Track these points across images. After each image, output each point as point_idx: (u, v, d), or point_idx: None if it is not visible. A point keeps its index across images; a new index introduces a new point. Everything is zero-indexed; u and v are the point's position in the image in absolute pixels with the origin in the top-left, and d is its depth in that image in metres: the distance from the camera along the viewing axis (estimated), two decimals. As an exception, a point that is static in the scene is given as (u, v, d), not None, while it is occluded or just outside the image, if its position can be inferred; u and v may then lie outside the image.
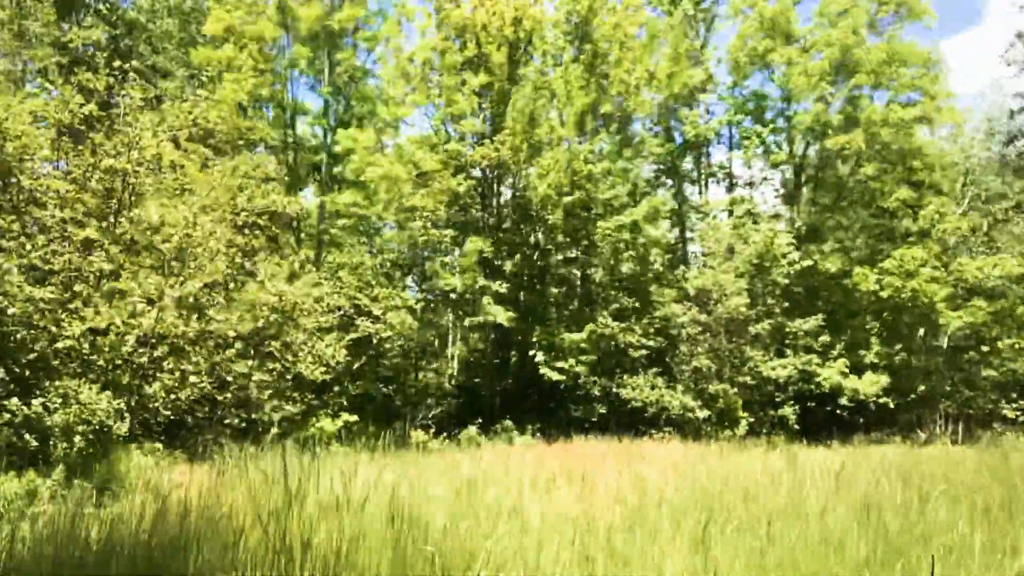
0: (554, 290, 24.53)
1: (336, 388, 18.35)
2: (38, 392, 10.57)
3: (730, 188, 29.54)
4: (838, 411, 23.20)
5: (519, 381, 23.79)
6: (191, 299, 13.02)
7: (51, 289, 11.53)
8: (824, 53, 25.14)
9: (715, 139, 29.20)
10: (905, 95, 25.40)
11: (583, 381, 21.79)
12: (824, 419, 23.28)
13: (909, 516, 6.08)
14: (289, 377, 15.44)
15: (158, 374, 12.61)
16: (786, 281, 24.07)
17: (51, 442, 9.97)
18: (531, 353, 22.11)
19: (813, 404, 23.66)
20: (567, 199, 22.28)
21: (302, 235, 23.98)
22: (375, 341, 19.42)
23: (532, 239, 23.86)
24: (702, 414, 21.46)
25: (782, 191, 28.68)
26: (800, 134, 26.72)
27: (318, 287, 17.27)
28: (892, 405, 22.92)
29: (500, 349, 24.75)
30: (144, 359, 12.42)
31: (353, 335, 18.57)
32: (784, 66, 26.18)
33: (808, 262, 24.23)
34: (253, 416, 14.71)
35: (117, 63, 13.49)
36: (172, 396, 12.54)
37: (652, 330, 22.93)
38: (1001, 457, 9.99)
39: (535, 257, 23.61)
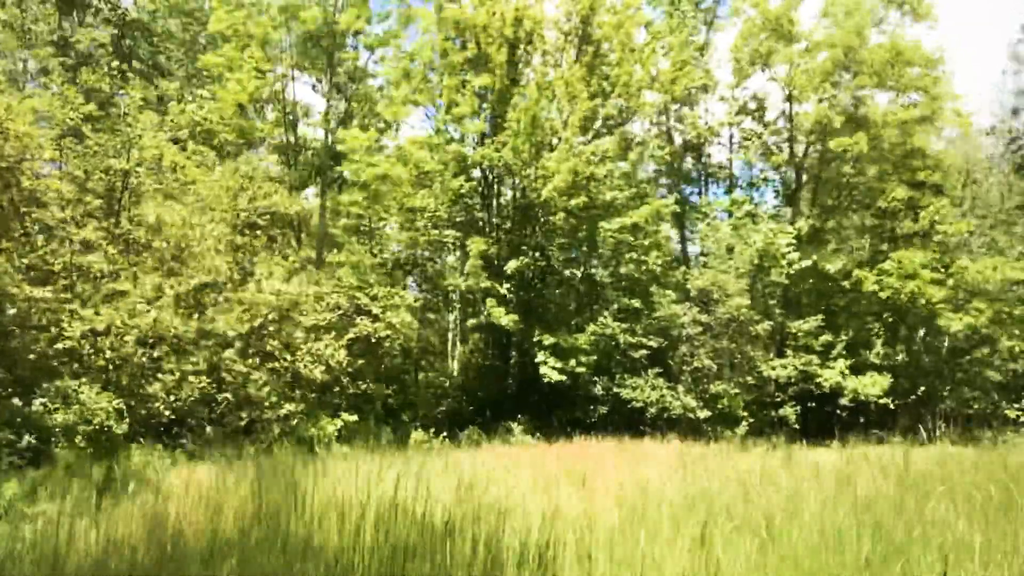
0: (556, 291, 24.49)
1: (336, 388, 18.31)
2: (38, 392, 10.58)
3: (730, 189, 29.54)
4: (838, 411, 23.18)
5: (520, 381, 23.74)
6: (190, 298, 13.05)
7: (50, 289, 11.55)
8: (828, 53, 25.08)
9: (715, 139, 29.21)
10: (908, 96, 25.36)
11: (584, 382, 21.76)
12: (824, 419, 23.27)
13: (909, 516, 6.07)
14: (288, 377, 15.43)
15: (158, 374, 12.62)
16: (786, 282, 24.06)
17: (52, 442, 9.98)
18: (533, 352, 22.07)
19: (813, 404, 23.65)
20: (571, 202, 22.27)
21: (303, 235, 23.97)
22: (375, 340, 19.38)
23: (534, 240, 23.82)
24: (703, 414, 21.43)
25: (782, 192, 28.67)
26: (802, 135, 26.68)
27: (317, 285, 17.25)
28: (892, 406, 22.90)
29: (501, 349, 24.70)
30: (144, 359, 12.43)
31: (353, 334, 18.53)
32: (786, 66, 26.15)
33: (808, 263, 24.21)
34: (253, 416, 14.70)
35: (118, 63, 13.51)
36: (172, 396, 12.55)
37: (653, 330, 22.90)
38: (1000, 457, 9.98)
39: (536, 258, 23.57)
